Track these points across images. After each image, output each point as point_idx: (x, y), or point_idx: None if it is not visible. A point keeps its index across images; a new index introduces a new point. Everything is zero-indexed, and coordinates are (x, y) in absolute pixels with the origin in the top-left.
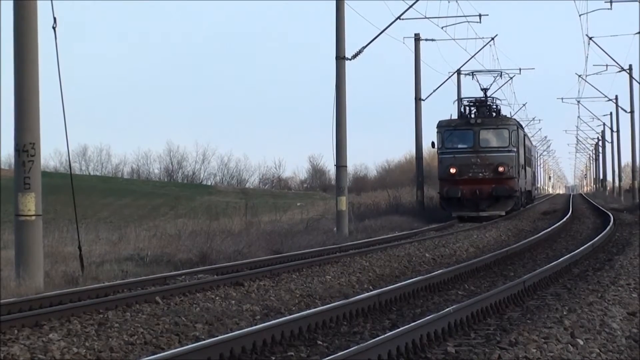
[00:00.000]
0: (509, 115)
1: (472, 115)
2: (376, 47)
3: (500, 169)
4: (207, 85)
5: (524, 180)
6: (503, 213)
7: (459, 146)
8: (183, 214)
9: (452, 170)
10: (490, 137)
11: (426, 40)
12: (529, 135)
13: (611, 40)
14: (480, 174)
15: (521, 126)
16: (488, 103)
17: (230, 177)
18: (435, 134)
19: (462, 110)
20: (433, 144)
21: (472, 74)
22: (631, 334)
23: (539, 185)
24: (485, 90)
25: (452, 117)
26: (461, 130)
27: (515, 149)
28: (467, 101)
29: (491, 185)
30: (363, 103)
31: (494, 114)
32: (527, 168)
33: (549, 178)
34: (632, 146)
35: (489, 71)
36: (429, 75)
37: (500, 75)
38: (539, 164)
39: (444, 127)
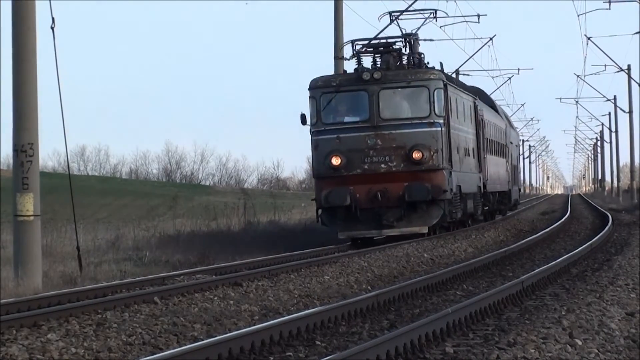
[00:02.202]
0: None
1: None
2: None
3: (416, 155)
4: (206, 86)
5: (476, 174)
6: (424, 230)
7: (346, 119)
8: (181, 214)
9: (335, 161)
10: (397, 103)
11: (425, 40)
12: (503, 110)
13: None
14: (383, 165)
15: (464, 86)
16: (396, 47)
17: (229, 178)
18: (308, 101)
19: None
20: (303, 118)
21: (391, 16)
22: (630, 334)
23: (536, 185)
24: (408, 36)
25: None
26: (349, 92)
27: (442, 121)
28: (362, 45)
29: (401, 183)
30: None
31: (411, 65)
32: (492, 157)
33: (548, 178)
34: (631, 146)
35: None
36: None
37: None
38: (523, 156)
39: (319, 89)
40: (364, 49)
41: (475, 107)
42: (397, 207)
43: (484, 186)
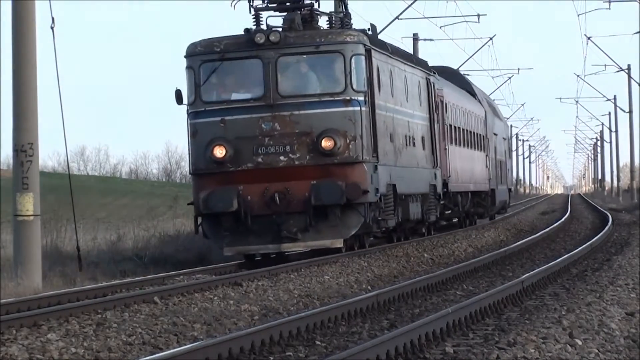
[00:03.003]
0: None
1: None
2: None
3: (326, 143)
4: None
5: (428, 169)
6: (338, 244)
7: (234, 97)
8: (181, 214)
9: (218, 153)
10: (302, 74)
11: (424, 40)
12: (487, 96)
13: (610, 40)
14: (283, 158)
15: (413, 58)
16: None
17: None
18: (185, 72)
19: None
20: (178, 95)
21: None
22: (630, 334)
23: (536, 185)
24: None
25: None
26: (237, 60)
27: (364, 98)
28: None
29: (307, 181)
30: None
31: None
32: (461, 149)
33: (547, 178)
34: (631, 146)
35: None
36: None
37: None
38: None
39: (198, 57)
40: (265, 4)
41: (430, 85)
42: (302, 213)
43: (445, 185)
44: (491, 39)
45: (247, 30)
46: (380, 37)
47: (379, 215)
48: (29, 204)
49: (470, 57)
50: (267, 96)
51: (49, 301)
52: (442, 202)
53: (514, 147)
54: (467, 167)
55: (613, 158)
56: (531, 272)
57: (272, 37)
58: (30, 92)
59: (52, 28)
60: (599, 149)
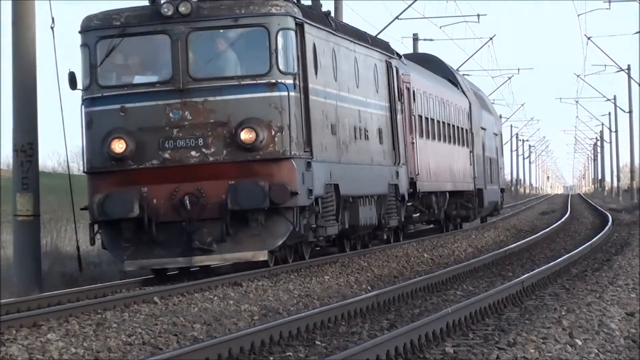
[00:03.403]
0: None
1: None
2: None
3: (247, 135)
4: None
5: (388, 166)
6: (262, 257)
7: (137, 80)
8: None
9: (118, 147)
10: (218, 53)
11: (424, 40)
12: (474, 86)
13: (610, 40)
14: (195, 153)
15: (369, 38)
16: None
17: None
18: (80, 51)
19: None
20: (72, 78)
21: None
22: (630, 334)
23: (536, 185)
24: None
25: None
26: (140, 36)
27: (293, 81)
28: None
29: (223, 181)
30: None
31: None
32: (436, 144)
33: (547, 178)
34: (631, 146)
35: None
36: None
37: None
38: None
39: (94, 33)
40: None
41: (391, 70)
42: (217, 220)
43: (413, 184)
44: (491, 39)
45: (152, 1)
46: (380, 37)
47: (316, 222)
48: (28, 204)
49: (470, 57)
50: (176, 79)
51: (49, 301)
52: (408, 204)
53: (513, 147)
54: (444, 164)
55: (613, 158)
56: (531, 272)
57: (182, 9)
58: (30, 92)
59: (52, 28)
60: (599, 149)
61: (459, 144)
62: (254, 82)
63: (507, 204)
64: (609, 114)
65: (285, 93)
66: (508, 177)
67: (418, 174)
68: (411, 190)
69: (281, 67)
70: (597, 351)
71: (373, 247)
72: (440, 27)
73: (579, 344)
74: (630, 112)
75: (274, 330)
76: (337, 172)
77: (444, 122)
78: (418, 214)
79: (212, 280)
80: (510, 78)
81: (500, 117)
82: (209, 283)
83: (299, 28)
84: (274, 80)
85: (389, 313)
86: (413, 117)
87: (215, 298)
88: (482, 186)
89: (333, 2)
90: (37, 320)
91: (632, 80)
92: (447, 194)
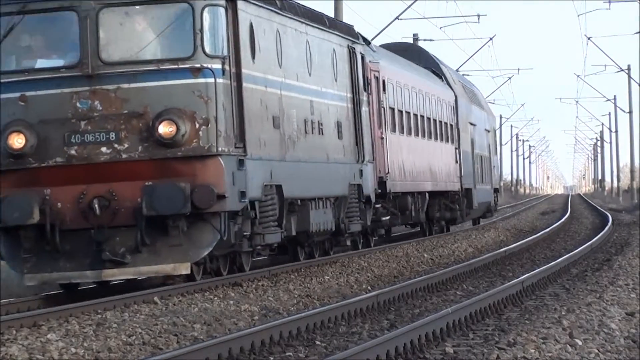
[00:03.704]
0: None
1: None
2: None
3: (166, 128)
4: None
5: (349, 164)
6: (184, 271)
7: (39, 64)
8: None
9: (17, 142)
10: (133, 33)
11: (424, 40)
12: (462, 78)
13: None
14: (105, 150)
15: (326, 21)
16: None
17: None
18: None
19: None
20: None
21: None
22: (630, 334)
23: (536, 185)
24: None
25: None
26: (44, 12)
27: (221, 66)
28: None
29: (138, 182)
30: None
31: None
32: (413, 139)
33: (548, 178)
34: (631, 146)
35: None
36: None
37: None
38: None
39: None
40: None
41: (355, 56)
42: (131, 226)
43: (382, 184)
44: (491, 39)
45: None
46: (380, 37)
47: (252, 229)
48: None
49: (470, 57)
50: (84, 63)
51: (49, 301)
52: (377, 205)
53: (513, 147)
54: (422, 161)
55: (613, 158)
56: (531, 272)
57: None
58: None
59: None
60: (599, 149)
61: (442, 139)
62: (175, 66)
63: (507, 204)
64: (609, 114)
65: (212, 79)
66: (508, 177)
67: (388, 173)
68: (380, 190)
69: (207, 49)
70: (597, 351)
71: (373, 247)
72: (440, 28)
73: (579, 344)
74: (630, 112)
75: (274, 330)
76: (280, 171)
77: (422, 116)
78: (389, 217)
79: (212, 280)
80: (510, 78)
81: (500, 117)
82: (209, 283)
83: (231, 5)
84: (198, 65)
85: (389, 313)
86: (383, 109)
87: (216, 298)
88: (470, 186)
89: (333, 2)
90: (37, 320)
91: (632, 80)
92: (427, 195)
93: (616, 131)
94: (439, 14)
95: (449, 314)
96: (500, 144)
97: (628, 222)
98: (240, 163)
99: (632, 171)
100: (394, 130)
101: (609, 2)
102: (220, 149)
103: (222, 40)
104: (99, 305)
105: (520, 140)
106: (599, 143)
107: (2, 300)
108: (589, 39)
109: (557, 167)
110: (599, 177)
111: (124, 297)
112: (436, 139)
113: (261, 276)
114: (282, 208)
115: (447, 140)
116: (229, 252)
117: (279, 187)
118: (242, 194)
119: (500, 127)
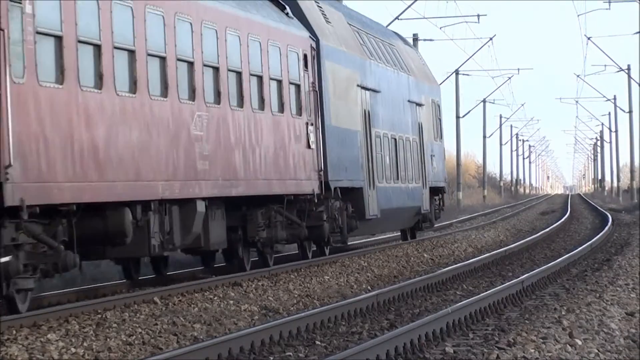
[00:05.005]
0: None
1: None
2: None
3: None
4: None
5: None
6: None
7: None
8: None
9: None
10: None
11: (424, 40)
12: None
13: (610, 40)
14: None
15: None
16: None
17: None
18: None
19: None
20: None
21: None
22: (630, 334)
23: (536, 185)
24: None
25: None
26: None
27: None
28: None
29: None
30: None
31: None
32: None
33: (547, 178)
34: (631, 146)
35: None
36: None
37: None
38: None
39: None
40: None
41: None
42: None
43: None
44: (491, 39)
45: None
46: None
47: None
48: None
49: (470, 57)
50: None
51: (49, 301)
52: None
53: (514, 147)
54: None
55: (613, 158)
56: (531, 272)
57: None
58: None
59: None
60: (599, 149)
61: (276, 110)
62: None
63: (507, 204)
64: (609, 114)
65: None
66: (508, 177)
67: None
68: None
69: None
70: (597, 351)
71: (373, 247)
72: (440, 28)
73: (579, 343)
74: (630, 112)
75: (274, 330)
76: None
77: (189, 62)
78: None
79: (212, 280)
80: (510, 78)
81: (501, 117)
82: (209, 283)
83: None
84: None
85: (389, 313)
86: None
87: (216, 298)
88: (359, 184)
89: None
90: (37, 320)
91: (632, 80)
92: (204, 203)
93: (616, 131)
94: (439, 14)
95: (449, 314)
96: (500, 144)
97: (628, 222)
98: None
99: (632, 171)
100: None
101: (609, 2)
102: None
103: None
104: (99, 305)
105: (520, 140)
106: (598, 143)
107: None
108: (589, 39)
109: (557, 167)
110: (599, 177)
111: (124, 297)
112: (251, 107)
113: (261, 276)
114: None
115: (280, 110)
116: None
117: None
118: None
119: (500, 127)
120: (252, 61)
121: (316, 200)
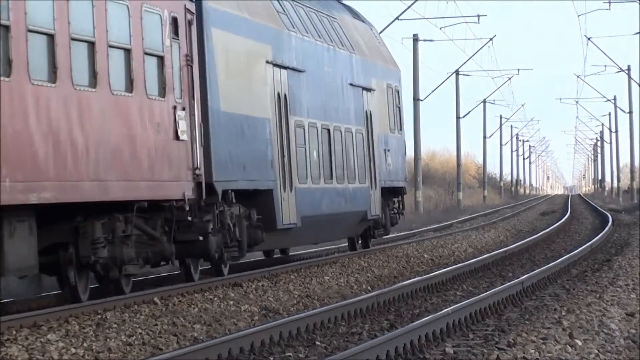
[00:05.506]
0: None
1: None
2: None
3: None
4: None
5: None
6: None
7: None
8: None
9: None
10: None
11: (424, 40)
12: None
13: (610, 40)
14: None
15: None
16: None
17: None
18: None
19: None
20: None
21: None
22: (630, 335)
23: (536, 185)
24: None
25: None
26: None
27: None
28: None
29: None
30: None
31: None
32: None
33: (547, 178)
34: (631, 147)
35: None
36: (427, 75)
37: None
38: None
39: None
40: None
41: None
42: None
43: None
44: (491, 39)
45: None
46: (380, 37)
47: None
48: None
49: (470, 57)
50: None
51: (49, 301)
52: None
53: (514, 148)
54: None
55: (613, 158)
56: (531, 273)
57: None
58: None
59: None
60: (599, 150)
61: (95, 86)
62: None
63: (507, 204)
64: (609, 114)
65: None
66: (508, 177)
67: None
68: None
69: None
70: (597, 351)
71: (373, 248)
72: (440, 28)
73: (579, 344)
74: (630, 112)
75: (274, 331)
76: None
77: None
78: None
79: (212, 280)
80: (510, 78)
81: (501, 117)
82: (209, 284)
83: None
84: None
85: (389, 313)
86: None
87: (215, 298)
88: (268, 185)
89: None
90: (37, 321)
91: (632, 81)
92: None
93: (616, 131)
94: (439, 14)
95: (449, 315)
96: (501, 145)
97: (628, 223)
98: None
99: (632, 171)
100: None
101: (609, 2)
102: None
103: None
104: (99, 305)
105: (520, 141)
106: (599, 143)
107: (2, 300)
108: (589, 39)
109: (557, 167)
110: (599, 178)
111: (124, 297)
112: (72, 83)
113: (261, 276)
114: None
115: (132, 90)
116: None
117: None
118: None
119: (500, 127)
120: (76, 20)
121: (187, 208)
